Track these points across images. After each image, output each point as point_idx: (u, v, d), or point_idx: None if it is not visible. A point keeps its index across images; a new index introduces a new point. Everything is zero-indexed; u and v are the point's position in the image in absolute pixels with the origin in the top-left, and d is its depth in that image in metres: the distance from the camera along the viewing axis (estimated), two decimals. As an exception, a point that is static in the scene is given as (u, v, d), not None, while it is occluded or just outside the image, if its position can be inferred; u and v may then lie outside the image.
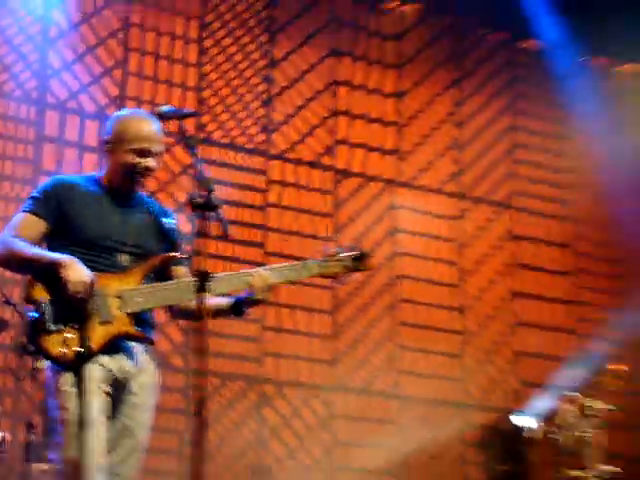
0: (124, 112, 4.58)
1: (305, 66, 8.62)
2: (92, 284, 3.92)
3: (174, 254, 4.23)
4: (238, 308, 4.21)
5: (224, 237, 3.75)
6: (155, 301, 4.11)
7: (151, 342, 4.16)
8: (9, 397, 6.78)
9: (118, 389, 4.07)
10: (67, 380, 3.96)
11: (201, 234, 3.61)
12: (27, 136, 7.53)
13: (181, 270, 4.29)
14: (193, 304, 3.74)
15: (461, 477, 8.48)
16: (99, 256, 4.13)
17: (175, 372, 7.36)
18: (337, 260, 4.32)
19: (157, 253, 4.21)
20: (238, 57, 8.43)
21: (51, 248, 4.15)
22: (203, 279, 3.62)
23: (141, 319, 4.11)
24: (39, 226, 4.13)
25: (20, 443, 6.07)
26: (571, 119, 9.39)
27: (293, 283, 4.45)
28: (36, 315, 3.91)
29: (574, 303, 9.29)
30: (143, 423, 4.14)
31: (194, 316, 3.73)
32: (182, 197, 7.57)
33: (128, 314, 4.03)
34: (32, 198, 4.18)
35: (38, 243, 4.13)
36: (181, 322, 7.09)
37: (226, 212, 3.67)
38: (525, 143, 9.40)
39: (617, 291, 9.33)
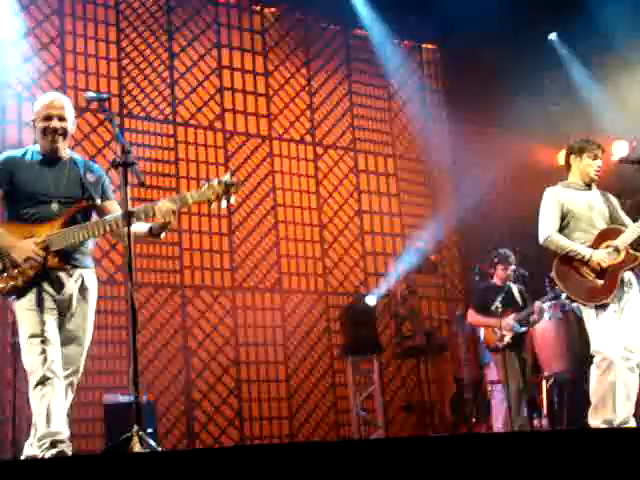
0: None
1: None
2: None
3: (87, 203, 4.27)
4: (155, 231, 4.26)
5: (141, 185, 3.96)
6: (69, 240, 4.16)
7: (75, 266, 4.21)
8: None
9: (60, 306, 4.18)
10: (26, 303, 4.13)
11: (125, 184, 3.84)
12: None
13: (109, 208, 4.34)
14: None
15: (328, 342, 8.90)
16: (37, 207, 4.19)
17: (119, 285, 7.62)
18: (209, 188, 4.15)
19: (82, 201, 4.27)
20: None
21: (9, 211, 4.24)
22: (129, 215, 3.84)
23: (68, 253, 4.20)
24: None
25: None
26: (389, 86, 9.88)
27: (186, 206, 4.26)
28: None
29: (402, 216, 9.73)
30: (84, 327, 4.23)
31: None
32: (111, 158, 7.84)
33: (54, 251, 4.14)
34: None
35: None
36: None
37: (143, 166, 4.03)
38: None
39: (430, 206, 9.83)
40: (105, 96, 4.19)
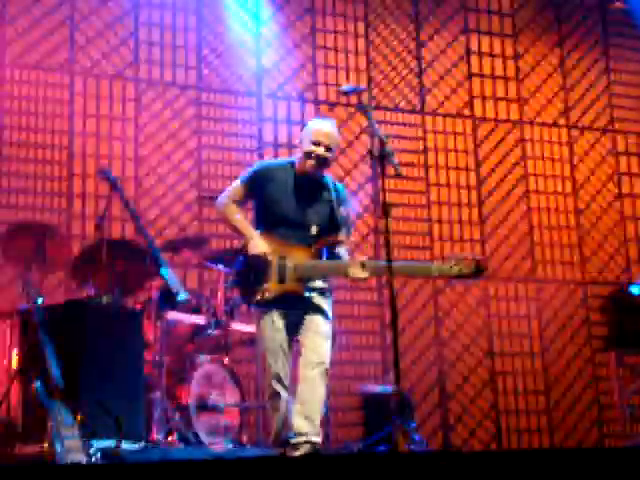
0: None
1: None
2: (265, 257, 4.26)
3: (339, 238, 4.40)
4: None
5: (398, 176, 3.98)
6: (315, 274, 4.34)
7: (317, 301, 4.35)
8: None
9: (296, 325, 4.34)
10: (264, 319, 4.34)
11: (381, 175, 3.91)
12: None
13: (341, 250, 4.44)
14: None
15: (588, 333, 8.52)
16: (293, 229, 4.36)
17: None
18: (457, 267, 4.16)
19: (330, 234, 4.40)
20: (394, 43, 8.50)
21: (257, 219, 4.43)
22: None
23: (311, 283, 4.35)
24: (244, 194, 4.47)
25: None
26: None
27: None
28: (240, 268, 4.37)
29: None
30: (318, 343, 4.31)
31: None
32: (362, 151, 8.06)
33: (298, 278, 4.30)
34: (246, 173, 4.52)
35: (242, 204, 4.49)
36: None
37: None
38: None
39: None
40: (362, 88, 4.26)
